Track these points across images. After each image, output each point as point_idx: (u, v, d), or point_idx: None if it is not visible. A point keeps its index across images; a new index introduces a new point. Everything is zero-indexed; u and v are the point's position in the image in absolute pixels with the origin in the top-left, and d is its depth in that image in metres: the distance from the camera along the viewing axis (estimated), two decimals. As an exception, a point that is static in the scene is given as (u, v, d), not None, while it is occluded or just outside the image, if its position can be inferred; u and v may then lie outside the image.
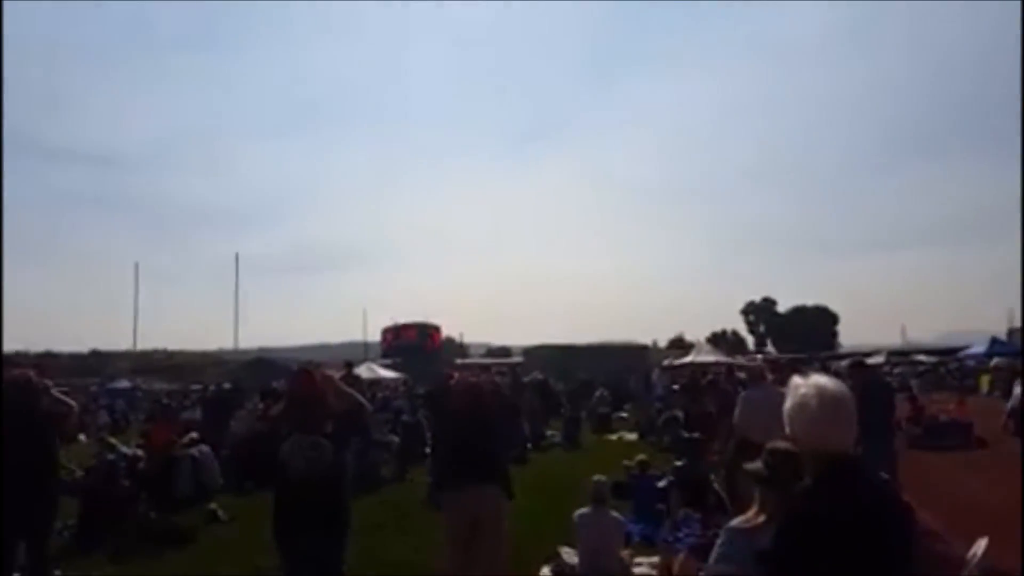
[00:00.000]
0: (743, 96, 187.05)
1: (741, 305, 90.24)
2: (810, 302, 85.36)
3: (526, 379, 23.04)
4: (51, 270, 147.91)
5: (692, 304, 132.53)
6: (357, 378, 17.41)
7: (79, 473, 9.45)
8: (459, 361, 45.06)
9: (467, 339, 75.19)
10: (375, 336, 54.40)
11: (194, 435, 9.93)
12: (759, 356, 37.02)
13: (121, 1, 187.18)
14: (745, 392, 8.58)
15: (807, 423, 2.19)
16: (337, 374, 14.05)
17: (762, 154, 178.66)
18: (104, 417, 25.47)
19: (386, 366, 35.40)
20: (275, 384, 15.68)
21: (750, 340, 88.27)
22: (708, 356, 29.41)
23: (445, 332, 57.13)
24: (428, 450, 10.95)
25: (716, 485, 7.09)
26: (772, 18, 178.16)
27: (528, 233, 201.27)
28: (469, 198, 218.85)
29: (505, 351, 68.04)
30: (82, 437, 18.99)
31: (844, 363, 15.50)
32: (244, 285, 59.94)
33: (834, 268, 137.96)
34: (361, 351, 51.27)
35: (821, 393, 2.20)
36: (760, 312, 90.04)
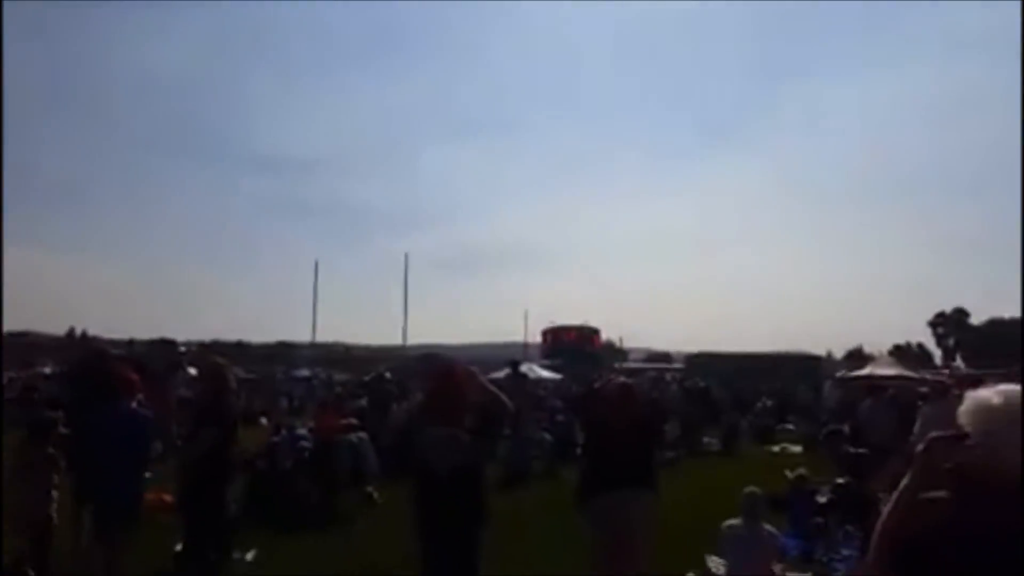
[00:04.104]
0: (935, 95, 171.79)
1: (930, 316, 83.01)
2: (1008, 314, 76.92)
3: (687, 383, 22.40)
4: (244, 268, 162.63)
5: (876, 315, 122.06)
6: (524, 377, 17.67)
7: (252, 452, 10.10)
8: (618, 365, 44.58)
9: (627, 344, 74.13)
10: (535, 337, 55.11)
11: (353, 421, 10.39)
12: (946, 371, 33.86)
13: (299, 2, 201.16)
14: (925, 406, 7.82)
15: (987, 424, 1.86)
16: (502, 372, 14.28)
17: (952, 158, 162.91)
18: (284, 403, 27.46)
19: (545, 367, 35.64)
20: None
21: (938, 355, 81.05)
22: (888, 369, 27.13)
23: (605, 335, 56.83)
24: (579, 450, 10.85)
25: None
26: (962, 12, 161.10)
27: (698, 238, 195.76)
28: (636, 201, 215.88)
29: (666, 357, 66.47)
30: (263, 420, 20.51)
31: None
32: (413, 284, 62.57)
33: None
34: (521, 351, 52.01)
35: (1010, 394, 1.88)
36: (951, 324, 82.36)
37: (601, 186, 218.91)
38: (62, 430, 6.39)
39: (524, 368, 28.38)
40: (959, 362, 75.24)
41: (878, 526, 2.02)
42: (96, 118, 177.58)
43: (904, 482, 1.99)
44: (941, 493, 1.91)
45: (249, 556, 6.87)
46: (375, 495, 9.47)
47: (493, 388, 5.19)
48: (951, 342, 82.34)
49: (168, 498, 7.89)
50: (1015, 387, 1.92)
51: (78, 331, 60.05)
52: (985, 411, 1.90)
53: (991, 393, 1.91)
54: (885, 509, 2.03)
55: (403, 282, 51.60)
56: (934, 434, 2.02)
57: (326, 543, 7.56)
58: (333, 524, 8.39)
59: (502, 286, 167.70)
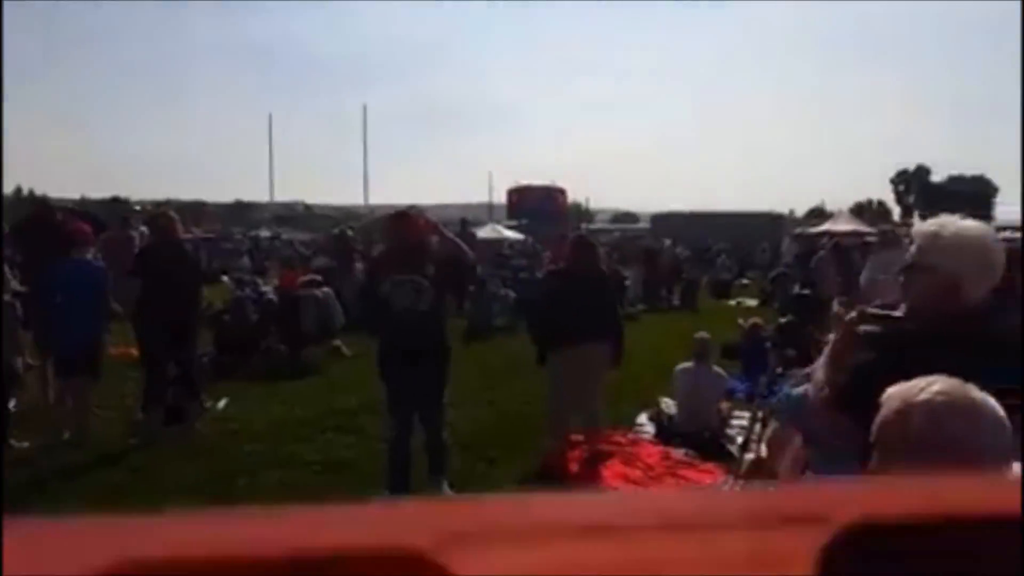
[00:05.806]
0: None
1: (892, 174, 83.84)
2: (970, 172, 77.94)
3: (649, 243, 22.73)
4: (194, 119, 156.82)
5: (838, 173, 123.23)
6: (472, 235, 17.75)
7: (217, 307, 10.11)
8: (584, 226, 44.72)
9: (594, 204, 74.20)
10: (501, 198, 54.69)
11: (316, 277, 10.43)
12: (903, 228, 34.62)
13: None
14: (873, 255, 8.06)
15: (939, 249, 1.90)
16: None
17: (923, 12, 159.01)
18: (246, 261, 27.28)
19: (510, 227, 35.63)
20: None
21: (897, 211, 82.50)
22: (846, 225, 27.63)
23: (571, 196, 56.53)
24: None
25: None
26: None
27: (662, 96, 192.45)
28: (600, 57, 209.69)
29: (632, 217, 66.94)
30: (225, 278, 20.41)
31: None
32: (373, 141, 61.06)
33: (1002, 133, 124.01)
34: (486, 212, 51.88)
35: (961, 223, 1.95)
36: (912, 181, 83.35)
37: (562, 41, 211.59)
38: (17, 287, 6.34)
39: (487, 228, 28.66)
40: (916, 219, 76.75)
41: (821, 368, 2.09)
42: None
43: (832, 341, 2.09)
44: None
45: (220, 404, 7.06)
46: (343, 348, 9.67)
47: (454, 237, 5.28)
48: (910, 199, 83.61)
49: (135, 351, 7.99)
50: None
51: (24, 190, 57.38)
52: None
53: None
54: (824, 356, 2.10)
55: (362, 137, 50.31)
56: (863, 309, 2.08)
57: (295, 391, 7.78)
58: (302, 375, 8.62)
59: (466, 146, 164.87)
